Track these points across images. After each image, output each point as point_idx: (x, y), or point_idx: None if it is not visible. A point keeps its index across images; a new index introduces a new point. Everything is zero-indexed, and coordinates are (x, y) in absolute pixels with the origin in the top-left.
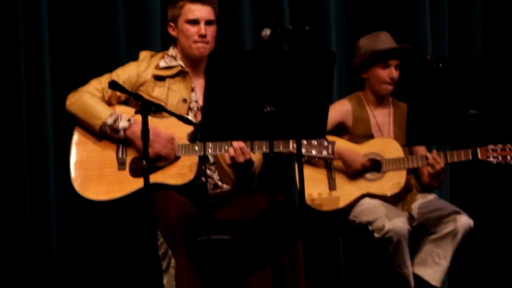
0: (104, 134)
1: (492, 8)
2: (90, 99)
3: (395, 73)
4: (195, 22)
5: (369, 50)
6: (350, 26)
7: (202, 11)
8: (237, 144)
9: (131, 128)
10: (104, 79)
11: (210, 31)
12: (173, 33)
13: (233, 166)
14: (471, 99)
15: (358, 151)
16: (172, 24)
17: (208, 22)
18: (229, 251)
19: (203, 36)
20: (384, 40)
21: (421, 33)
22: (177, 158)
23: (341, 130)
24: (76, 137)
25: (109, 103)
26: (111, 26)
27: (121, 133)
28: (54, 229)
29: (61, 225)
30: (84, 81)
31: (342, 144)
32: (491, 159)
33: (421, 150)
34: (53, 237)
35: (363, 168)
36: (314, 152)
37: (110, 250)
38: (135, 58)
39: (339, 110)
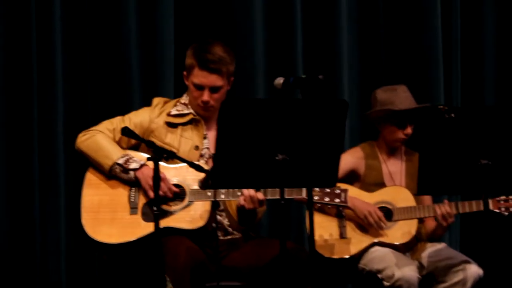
0: (114, 175)
1: (505, 58)
2: (102, 139)
3: (410, 131)
4: (199, 87)
5: (387, 106)
6: (363, 75)
7: (208, 79)
8: (248, 192)
9: (141, 169)
10: (116, 121)
11: (215, 96)
12: (185, 81)
13: (242, 210)
14: (483, 149)
15: (368, 200)
16: (185, 73)
17: (213, 89)
18: None
19: (205, 102)
20: (403, 97)
21: (434, 83)
22: (189, 203)
23: (353, 177)
24: (87, 179)
25: (119, 145)
26: (125, 71)
27: (131, 174)
28: (63, 272)
29: (71, 268)
30: (96, 122)
31: (354, 192)
32: (503, 210)
33: (427, 199)
34: (63, 280)
35: (371, 217)
36: (326, 200)
37: None
38: (147, 103)
39: (352, 158)
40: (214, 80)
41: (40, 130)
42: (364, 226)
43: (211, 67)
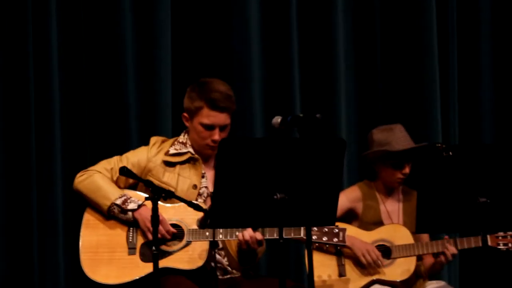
0: (112, 215)
1: (502, 95)
2: (100, 179)
3: (407, 170)
4: (210, 127)
5: (384, 147)
6: (360, 114)
7: (219, 118)
8: (246, 233)
9: (139, 210)
10: (114, 161)
11: (223, 135)
12: (186, 123)
13: (242, 250)
14: (481, 187)
15: (366, 239)
16: (186, 115)
17: (222, 128)
18: None
19: (215, 142)
20: (399, 137)
21: (431, 121)
22: (187, 243)
23: (350, 216)
24: (86, 219)
25: (117, 185)
26: (123, 110)
27: (129, 214)
28: None
29: None
30: (94, 163)
31: (352, 230)
32: (501, 246)
33: (425, 237)
34: None
35: (369, 256)
36: (325, 239)
37: None
38: (145, 142)
39: (350, 197)
40: (224, 118)
41: (38, 169)
42: (362, 264)
43: (221, 106)
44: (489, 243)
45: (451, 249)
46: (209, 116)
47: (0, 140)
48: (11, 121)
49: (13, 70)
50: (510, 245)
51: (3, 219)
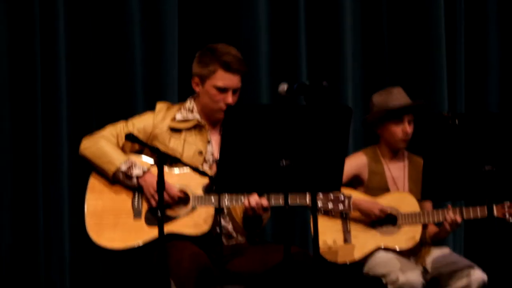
0: (117, 180)
1: (508, 65)
2: (105, 144)
3: (408, 129)
4: (223, 90)
5: (382, 107)
6: (366, 81)
7: (232, 80)
8: (256, 199)
9: (144, 176)
10: (120, 126)
11: (236, 97)
12: (196, 88)
13: (247, 216)
14: (486, 155)
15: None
16: (197, 80)
17: (235, 90)
18: None
19: (229, 104)
20: (396, 97)
21: (438, 90)
22: (193, 208)
23: (356, 182)
24: (91, 184)
25: (123, 150)
26: (130, 75)
27: (134, 180)
28: (67, 275)
29: (75, 271)
30: (100, 126)
31: (358, 197)
32: (507, 216)
33: (427, 205)
34: (67, 283)
35: (382, 214)
36: (330, 206)
37: None
38: (151, 107)
39: (355, 163)
40: (237, 81)
41: (44, 137)
42: (368, 231)
43: (235, 68)
44: (495, 213)
45: (457, 218)
46: (223, 78)
47: (5, 111)
48: (16, 90)
49: (19, 38)
50: None
51: (8, 190)
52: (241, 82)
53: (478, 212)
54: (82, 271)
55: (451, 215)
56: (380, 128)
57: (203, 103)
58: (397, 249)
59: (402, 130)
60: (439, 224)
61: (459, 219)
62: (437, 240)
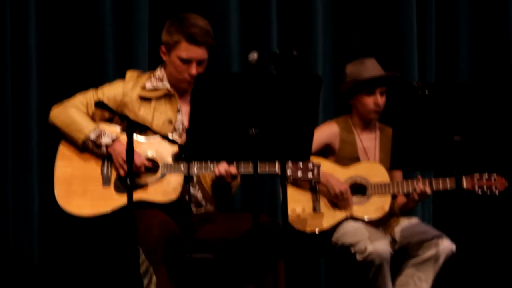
0: (87, 148)
1: (479, 35)
2: (75, 113)
3: (380, 100)
4: (187, 61)
5: (355, 77)
6: (336, 51)
7: (197, 52)
8: (225, 167)
9: (113, 145)
10: (90, 95)
11: (200, 69)
12: (163, 56)
13: (217, 183)
14: (456, 126)
15: (341, 176)
16: (164, 49)
17: (200, 62)
18: (211, 270)
19: (192, 76)
20: (369, 68)
21: (407, 60)
22: (162, 176)
23: (327, 151)
24: (60, 151)
25: (92, 119)
26: (99, 42)
27: (103, 149)
28: (36, 241)
29: (44, 238)
30: (70, 95)
31: (328, 165)
32: (476, 189)
33: (398, 175)
34: (35, 250)
35: (341, 196)
36: (299, 174)
37: (91, 266)
38: (121, 75)
39: (327, 132)
40: (202, 53)
41: (13, 102)
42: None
43: (199, 41)
44: (465, 185)
45: (426, 189)
46: (187, 50)
47: None
48: None
49: None
50: (485, 188)
51: None
52: (207, 54)
53: (448, 183)
54: (51, 238)
55: (421, 186)
56: (353, 98)
57: (169, 72)
58: (366, 219)
59: (373, 101)
60: (407, 195)
61: (428, 190)
62: (405, 210)
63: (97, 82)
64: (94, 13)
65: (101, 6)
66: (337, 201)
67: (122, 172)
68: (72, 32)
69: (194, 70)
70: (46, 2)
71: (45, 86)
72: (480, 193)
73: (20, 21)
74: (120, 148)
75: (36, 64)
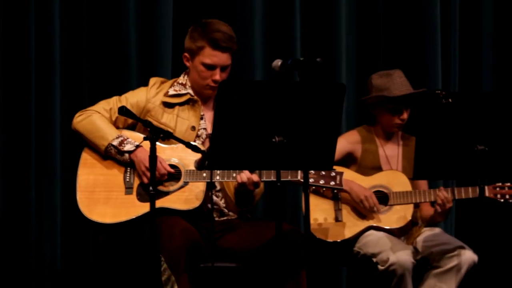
0: (109, 155)
1: (502, 44)
2: (98, 119)
3: (406, 116)
4: (211, 67)
5: (382, 93)
6: (360, 59)
7: (220, 58)
8: (247, 175)
9: (135, 152)
10: (113, 101)
11: (224, 76)
12: (186, 63)
13: (239, 191)
14: (479, 135)
15: (364, 184)
16: (187, 55)
17: (223, 68)
18: (233, 279)
19: (216, 81)
20: (398, 83)
21: (431, 69)
22: (184, 184)
23: (349, 160)
24: (83, 158)
25: (116, 125)
26: (123, 51)
27: (126, 156)
28: (58, 249)
29: (66, 247)
30: (93, 102)
31: (350, 175)
32: (499, 197)
33: (422, 184)
34: (57, 257)
35: (366, 202)
36: (322, 182)
37: (113, 274)
38: (145, 83)
39: (349, 141)
40: (226, 59)
41: (37, 110)
42: (359, 210)
43: (223, 46)
44: (487, 193)
45: (442, 194)
46: (210, 55)
47: None
48: (8, 56)
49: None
50: (507, 196)
51: (1, 159)
52: (230, 60)
53: (470, 192)
54: (73, 245)
55: (443, 193)
56: (377, 111)
57: (193, 78)
58: (388, 228)
59: (399, 118)
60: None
61: (447, 195)
62: (432, 223)
63: (121, 90)
64: (117, 21)
65: (125, 13)
66: (363, 207)
67: (145, 180)
68: (95, 40)
69: (218, 76)
70: (71, 12)
71: (68, 94)
72: (502, 201)
73: (45, 34)
74: (143, 155)
75: (60, 71)
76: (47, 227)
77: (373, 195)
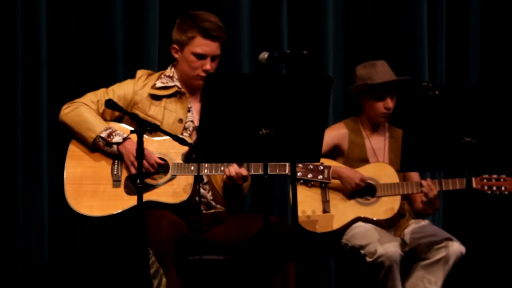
0: (97, 147)
1: (490, 35)
2: (86, 111)
3: (391, 104)
4: (202, 57)
5: (366, 81)
6: (347, 51)
7: (211, 47)
8: (236, 168)
9: (124, 143)
10: (100, 93)
11: (213, 65)
12: (175, 55)
13: (228, 185)
14: (466, 127)
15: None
16: (176, 46)
17: (213, 58)
18: (221, 272)
19: (207, 71)
20: (381, 71)
21: (418, 61)
22: (172, 177)
23: (336, 153)
24: (70, 151)
25: (103, 118)
26: (109, 43)
27: (114, 147)
28: (46, 244)
29: (53, 240)
30: (80, 95)
31: (338, 165)
32: (486, 188)
33: (415, 176)
34: (45, 249)
35: (361, 183)
36: (310, 176)
37: (101, 267)
38: (132, 76)
39: (335, 133)
40: (216, 48)
41: (24, 105)
42: (347, 201)
43: (214, 35)
44: (474, 185)
45: (429, 184)
46: (201, 45)
47: None
48: None
49: None
50: (494, 188)
51: None
52: (220, 50)
53: (457, 183)
54: (60, 238)
55: (427, 182)
56: (362, 100)
57: (182, 70)
58: (375, 220)
59: (384, 105)
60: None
61: (433, 186)
62: (424, 214)
63: (107, 83)
64: (104, 14)
65: (111, 7)
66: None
67: (133, 170)
68: (82, 33)
69: (208, 65)
70: (57, 4)
71: (55, 86)
72: (489, 192)
73: (31, 27)
74: (132, 146)
75: (47, 63)
76: (34, 220)
77: (364, 176)
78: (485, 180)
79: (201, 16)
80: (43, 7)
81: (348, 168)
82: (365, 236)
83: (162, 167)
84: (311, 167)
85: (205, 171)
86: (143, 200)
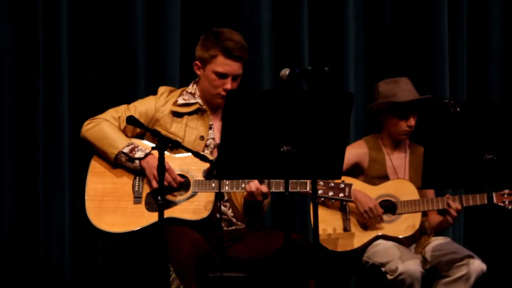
0: (119, 163)
1: (510, 53)
2: (107, 127)
3: (413, 122)
4: (223, 76)
5: (389, 99)
6: (368, 68)
7: (232, 67)
8: (256, 185)
9: (146, 158)
10: (122, 109)
11: (236, 84)
12: (197, 71)
13: (248, 202)
14: (487, 143)
15: (370, 195)
16: (198, 63)
17: (235, 77)
18: None
19: (228, 91)
20: (404, 89)
21: (439, 77)
22: (193, 194)
23: (356, 171)
24: (92, 167)
25: (124, 134)
26: (131, 59)
27: (136, 162)
28: (67, 260)
29: (74, 256)
30: (102, 111)
31: (358, 185)
32: (506, 204)
33: (430, 193)
34: (66, 266)
35: (374, 210)
36: (331, 194)
37: (121, 283)
38: (153, 92)
39: (356, 151)
40: (238, 68)
41: (45, 118)
42: (362, 220)
43: (236, 55)
44: (495, 200)
45: (455, 205)
46: (223, 64)
47: (7, 87)
48: (18, 67)
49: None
50: None
51: (9, 167)
52: (242, 69)
53: (478, 199)
54: (81, 254)
55: (456, 205)
56: (384, 118)
57: (203, 87)
58: (396, 237)
59: (406, 123)
60: (442, 213)
61: (458, 206)
62: (439, 231)
63: (129, 99)
64: (125, 31)
65: (132, 23)
66: (367, 218)
67: (155, 184)
68: (104, 50)
69: (229, 85)
70: (79, 21)
71: (77, 103)
72: (510, 207)
73: (53, 44)
74: (154, 161)
75: (68, 81)
76: (56, 235)
77: (378, 206)
78: (505, 195)
79: (224, 35)
80: (64, 26)
81: (366, 194)
82: (386, 253)
83: (183, 184)
84: (332, 184)
85: (226, 188)
86: (164, 217)
